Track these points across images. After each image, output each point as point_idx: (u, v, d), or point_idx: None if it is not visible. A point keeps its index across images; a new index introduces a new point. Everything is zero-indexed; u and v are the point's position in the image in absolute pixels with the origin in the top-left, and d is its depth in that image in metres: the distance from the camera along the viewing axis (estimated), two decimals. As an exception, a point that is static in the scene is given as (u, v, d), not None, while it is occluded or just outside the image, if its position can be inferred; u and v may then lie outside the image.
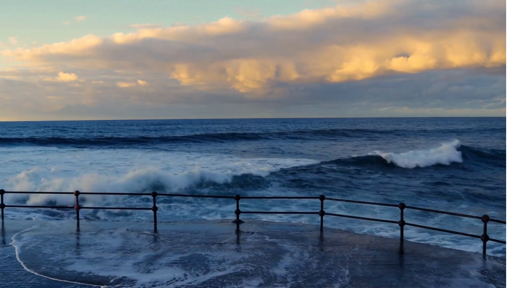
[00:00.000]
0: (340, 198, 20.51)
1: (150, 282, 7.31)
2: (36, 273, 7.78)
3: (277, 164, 37.46)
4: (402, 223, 9.92)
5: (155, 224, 11.55)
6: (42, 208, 18.55)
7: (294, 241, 9.82)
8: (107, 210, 18.73)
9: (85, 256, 8.82)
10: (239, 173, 30.46)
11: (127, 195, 21.49)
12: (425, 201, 23.36)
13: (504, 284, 6.88)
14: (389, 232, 16.23)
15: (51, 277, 7.63)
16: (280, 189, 27.20)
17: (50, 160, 41.80)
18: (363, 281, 7.25)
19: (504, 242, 8.10)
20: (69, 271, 7.88)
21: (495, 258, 8.93)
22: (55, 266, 8.19)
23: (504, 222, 7.84)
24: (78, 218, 12.07)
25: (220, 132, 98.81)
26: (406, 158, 38.20)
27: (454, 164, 38.41)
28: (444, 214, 15.88)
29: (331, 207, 19.97)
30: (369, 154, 40.62)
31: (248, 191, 25.84)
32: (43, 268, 8.08)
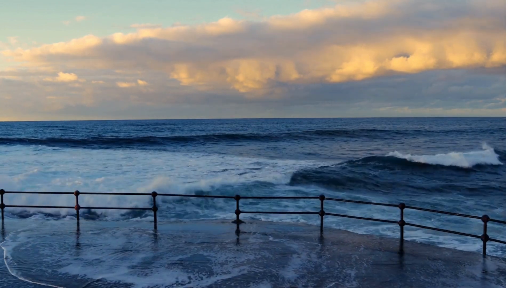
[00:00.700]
0: (340, 198, 20.50)
1: (149, 287, 6.92)
2: (21, 278, 7.29)
3: (306, 166, 37.26)
4: (402, 223, 9.92)
5: (155, 224, 11.54)
6: (42, 208, 18.54)
7: (297, 241, 9.76)
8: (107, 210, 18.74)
9: (82, 257, 8.58)
10: (287, 175, 30.82)
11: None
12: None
13: None
14: (389, 232, 16.24)
15: (37, 281, 7.17)
16: (321, 190, 26.67)
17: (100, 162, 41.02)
18: (370, 284, 7.11)
19: (504, 242, 8.09)
20: (62, 274, 7.54)
21: (498, 258, 8.92)
22: (47, 268, 7.88)
23: (504, 222, 7.83)
24: (78, 218, 12.07)
25: (234, 132, 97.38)
26: (451, 158, 37.19)
27: (494, 167, 37.28)
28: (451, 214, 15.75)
29: (341, 207, 19.97)
30: (405, 156, 38.48)
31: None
32: (33, 271, 7.72)
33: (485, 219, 8.84)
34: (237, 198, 11.54)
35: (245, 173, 33.70)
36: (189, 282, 7.16)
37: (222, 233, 10.65)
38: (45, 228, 11.21)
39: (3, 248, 9.22)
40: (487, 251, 9.18)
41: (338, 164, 37.18)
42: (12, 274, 7.56)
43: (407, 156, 38.00)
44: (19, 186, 25.00)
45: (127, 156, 47.56)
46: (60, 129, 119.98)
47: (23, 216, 18.14)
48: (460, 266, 8.10)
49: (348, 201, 18.18)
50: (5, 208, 12.30)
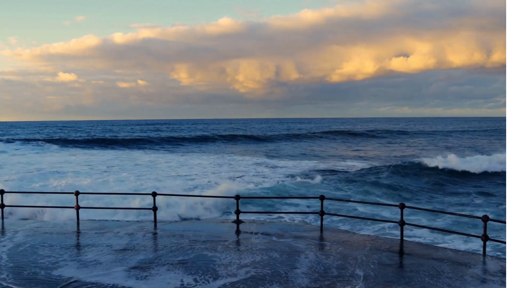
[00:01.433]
0: (340, 198, 20.50)
1: None
2: (9, 282, 7.01)
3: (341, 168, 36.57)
4: (402, 223, 9.92)
5: (155, 224, 11.54)
6: (43, 208, 18.53)
7: (299, 241, 9.72)
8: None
9: (80, 258, 8.44)
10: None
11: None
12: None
13: None
14: (390, 232, 16.24)
15: (22, 286, 6.85)
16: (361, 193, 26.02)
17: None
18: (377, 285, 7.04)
19: (504, 242, 8.09)
20: (55, 276, 7.31)
21: (500, 259, 8.91)
22: (41, 270, 7.67)
23: (504, 222, 7.83)
24: (78, 218, 12.06)
25: (251, 133, 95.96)
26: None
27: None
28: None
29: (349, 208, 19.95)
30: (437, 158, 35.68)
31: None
32: (25, 273, 7.48)
33: (485, 219, 8.84)
34: (237, 198, 11.55)
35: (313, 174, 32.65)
36: (195, 286, 6.90)
37: (224, 233, 10.62)
38: (44, 228, 11.19)
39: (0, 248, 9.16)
40: (486, 251, 9.18)
41: (382, 167, 35.27)
42: (2, 276, 7.37)
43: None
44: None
45: (154, 159, 45.06)
46: (76, 130, 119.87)
47: (24, 216, 18.11)
48: (463, 267, 8.07)
49: (348, 201, 18.19)
50: (5, 208, 12.31)
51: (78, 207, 12.02)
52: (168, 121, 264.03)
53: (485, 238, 8.89)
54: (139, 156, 48.13)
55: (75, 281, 7.12)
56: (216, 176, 32.31)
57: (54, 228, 11.19)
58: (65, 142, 65.65)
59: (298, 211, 20.04)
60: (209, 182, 29.33)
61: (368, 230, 16.59)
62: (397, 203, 10.22)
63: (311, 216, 18.40)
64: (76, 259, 8.38)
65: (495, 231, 14.00)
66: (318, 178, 29.27)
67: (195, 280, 7.15)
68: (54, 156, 46.45)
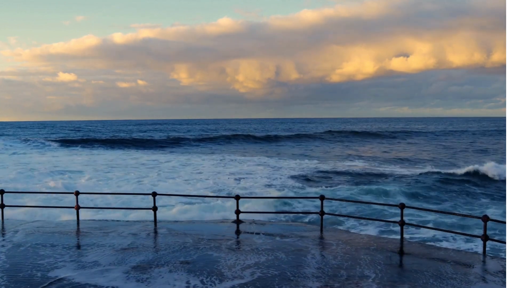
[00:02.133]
0: (340, 198, 20.49)
1: None
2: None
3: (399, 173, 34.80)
4: (402, 223, 9.91)
5: (155, 224, 11.53)
6: (43, 208, 18.53)
7: (300, 241, 9.71)
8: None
9: (80, 259, 8.36)
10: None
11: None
12: None
13: None
14: (390, 232, 16.24)
15: None
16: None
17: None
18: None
19: (504, 242, 8.08)
20: (51, 278, 7.21)
21: (501, 259, 8.89)
22: (38, 271, 7.57)
23: (504, 222, 7.82)
24: (78, 218, 12.06)
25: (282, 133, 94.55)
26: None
27: None
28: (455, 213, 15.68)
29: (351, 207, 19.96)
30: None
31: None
32: (21, 275, 7.37)
33: (485, 219, 8.83)
34: (237, 198, 11.55)
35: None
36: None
37: (225, 233, 10.61)
38: (44, 228, 11.18)
39: None
40: (487, 251, 9.17)
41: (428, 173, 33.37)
42: None
43: None
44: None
45: (156, 158, 44.73)
46: (77, 130, 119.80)
47: (24, 216, 18.11)
48: (466, 267, 8.06)
49: (349, 201, 18.14)
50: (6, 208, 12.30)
51: (78, 207, 12.01)
52: (168, 121, 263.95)
53: (485, 238, 8.89)
54: (140, 156, 48.13)
55: (72, 283, 7.06)
56: (226, 177, 32.13)
57: (54, 228, 11.17)
58: (65, 142, 65.64)
59: (298, 211, 20.04)
60: (214, 183, 29.31)
61: (369, 230, 16.59)
62: (398, 204, 10.22)
63: (310, 216, 18.39)
64: (76, 260, 8.31)
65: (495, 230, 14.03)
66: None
67: (202, 282, 7.02)
68: (55, 156, 46.43)
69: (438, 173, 32.60)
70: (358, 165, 40.83)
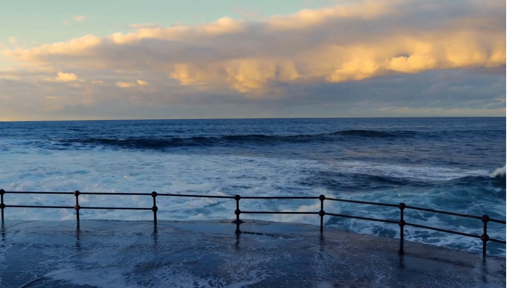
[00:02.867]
0: (340, 198, 20.50)
1: None
2: None
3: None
4: (402, 223, 9.90)
5: (155, 224, 11.53)
6: (43, 208, 18.55)
7: (305, 241, 9.69)
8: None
9: (79, 259, 8.30)
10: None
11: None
12: None
13: None
14: (390, 232, 16.25)
15: None
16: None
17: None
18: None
19: (504, 242, 8.08)
20: (47, 279, 7.13)
21: (502, 259, 8.89)
22: (35, 272, 7.49)
23: (504, 222, 7.82)
24: (78, 219, 12.05)
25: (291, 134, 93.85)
26: None
27: None
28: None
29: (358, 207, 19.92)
30: None
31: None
32: (18, 276, 7.30)
33: (485, 219, 8.83)
34: (237, 198, 11.54)
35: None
36: None
37: (226, 233, 10.59)
38: (44, 228, 11.17)
39: None
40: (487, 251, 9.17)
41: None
42: None
43: None
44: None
45: (158, 158, 44.73)
46: (80, 130, 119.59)
47: (24, 215, 18.12)
48: (467, 268, 8.04)
49: (349, 201, 18.15)
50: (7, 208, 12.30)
51: (78, 207, 12.00)
52: (168, 121, 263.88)
53: (485, 238, 8.88)
54: (141, 156, 48.13)
55: (70, 284, 7.01)
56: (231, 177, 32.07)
57: (54, 228, 11.16)
58: (65, 142, 65.63)
59: (298, 211, 20.04)
60: (215, 183, 29.31)
61: (369, 230, 16.60)
62: (398, 204, 10.21)
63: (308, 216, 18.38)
64: (75, 261, 8.26)
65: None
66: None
67: (210, 283, 6.94)
68: (56, 156, 46.43)
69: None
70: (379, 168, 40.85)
